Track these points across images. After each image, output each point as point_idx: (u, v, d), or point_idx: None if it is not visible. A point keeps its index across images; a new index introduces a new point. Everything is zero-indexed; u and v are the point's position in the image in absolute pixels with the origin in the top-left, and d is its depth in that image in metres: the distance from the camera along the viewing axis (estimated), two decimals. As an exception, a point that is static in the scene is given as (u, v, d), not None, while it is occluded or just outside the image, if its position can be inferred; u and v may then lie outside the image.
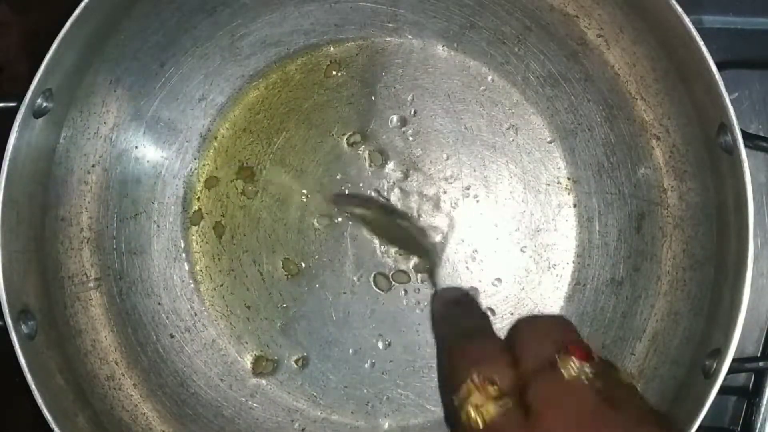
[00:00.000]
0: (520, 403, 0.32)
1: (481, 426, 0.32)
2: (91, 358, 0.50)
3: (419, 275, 0.52)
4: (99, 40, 0.47)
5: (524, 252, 0.53)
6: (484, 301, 0.53)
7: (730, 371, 0.42)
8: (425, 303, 0.52)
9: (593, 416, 0.29)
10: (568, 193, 0.53)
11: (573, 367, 0.32)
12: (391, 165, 0.53)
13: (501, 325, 0.52)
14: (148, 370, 0.51)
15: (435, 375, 0.52)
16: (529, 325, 0.35)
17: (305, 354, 0.53)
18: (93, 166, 0.50)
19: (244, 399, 0.52)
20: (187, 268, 0.53)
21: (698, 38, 0.42)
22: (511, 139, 0.53)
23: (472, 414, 0.32)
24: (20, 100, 0.42)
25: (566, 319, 0.40)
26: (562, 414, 0.30)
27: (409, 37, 0.53)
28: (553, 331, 0.34)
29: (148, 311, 0.52)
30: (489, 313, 0.52)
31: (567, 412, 0.30)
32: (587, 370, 0.31)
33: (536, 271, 0.53)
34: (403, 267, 0.52)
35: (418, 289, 0.52)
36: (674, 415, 0.31)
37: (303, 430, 0.52)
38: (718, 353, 0.42)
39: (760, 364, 0.48)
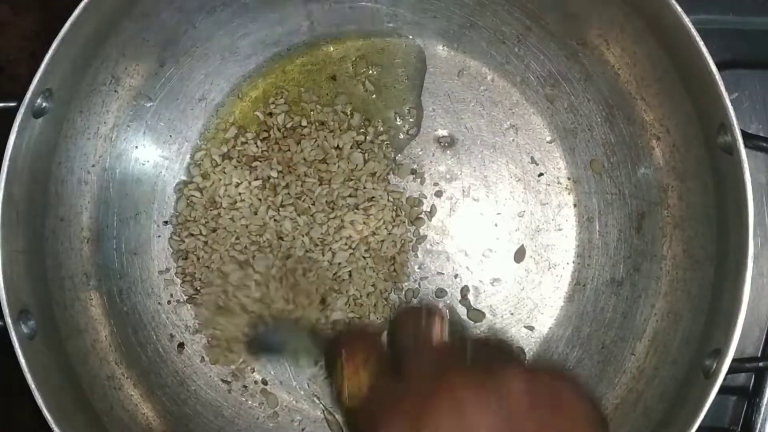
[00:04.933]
0: (390, 372, 0.36)
1: (358, 394, 0.36)
2: (91, 358, 0.50)
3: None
4: (99, 41, 0.47)
5: (524, 252, 0.53)
6: (484, 301, 0.53)
7: (730, 371, 0.42)
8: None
9: (452, 369, 0.33)
10: (568, 193, 0.53)
11: (437, 333, 0.36)
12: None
13: (501, 326, 0.52)
14: (148, 370, 0.51)
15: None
16: (401, 313, 0.40)
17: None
18: (93, 166, 0.50)
19: (244, 399, 0.52)
20: (187, 268, 0.53)
21: (698, 38, 0.42)
22: (511, 139, 0.53)
23: (347, 387, 0.36)
24: (20, 100, 0.42)
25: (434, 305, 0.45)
26: (427, 370, 0.34)
27: (410, 37, 0.53)
28: (419, 316, 0.38)
29: (148, 311, 0.52)
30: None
31: (431, 366, 0.34)
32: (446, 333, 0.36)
33: (536, 271, 0.53)
34: None
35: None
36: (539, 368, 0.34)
37: (303, 430, 0.52)
38: (718, 353, 0.42)
39: (760, 364, 0.48)
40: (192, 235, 0.52)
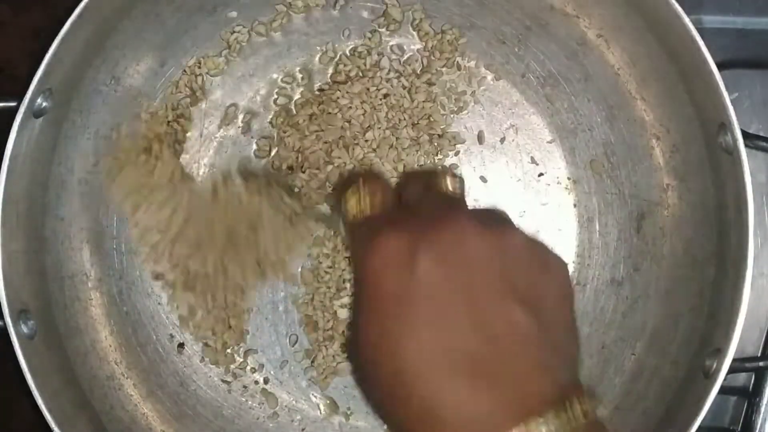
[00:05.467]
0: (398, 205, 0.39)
1: (366, 213, 0.38)
2: (91, 358, 0.50)
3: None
4: (99, 40, 0.47)
5: (524, 252, 0.53)
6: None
7: (730, 371, 0.42)
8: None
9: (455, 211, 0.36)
10: (568, 193, 0.53)
11: (446, 184, 0.39)
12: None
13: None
14: (148, 370, 0.51)
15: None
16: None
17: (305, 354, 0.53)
18: (93, 165, 0.50)
19: (244, 399, 0.52)
20: (187, 268, 0.53)
21: (698, 38, 0.42)
22: (511, 139, 0.53)
23: (356, 205, 0.38)
24: (20, 100, 0.42)
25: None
26: (435, 207, 0.37)
27: (410, 37, 0.53)
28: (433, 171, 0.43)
29: (148, 311, 0.52)
30: None
31: (435, 205, 0.37)
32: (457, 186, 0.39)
33: (536, 271, 0.52)
34: None
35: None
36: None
37: (303, 430, 0.52)
38: (718, 353, 0.42)
39: (760, 364, 0.48)
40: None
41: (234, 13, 0.51)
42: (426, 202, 0.38)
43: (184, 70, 0.51)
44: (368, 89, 0.51)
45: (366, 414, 0.52)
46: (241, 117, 0.52)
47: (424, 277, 0.33)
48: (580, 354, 0.36)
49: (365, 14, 0.52)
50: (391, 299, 0.33)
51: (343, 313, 0.51)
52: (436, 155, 0.52)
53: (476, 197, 0.53)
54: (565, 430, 0.31)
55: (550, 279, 0.35)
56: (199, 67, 0.51)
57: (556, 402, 0.31)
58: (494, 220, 0.36)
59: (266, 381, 0.52)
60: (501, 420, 0.31)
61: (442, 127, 0.52)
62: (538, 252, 0.36)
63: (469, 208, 0.39)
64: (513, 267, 0.34)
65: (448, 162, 0.52)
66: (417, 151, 0.52)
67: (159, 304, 0.52)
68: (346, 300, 0.51)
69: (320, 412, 0.52)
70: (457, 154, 0.52)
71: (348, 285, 0.52)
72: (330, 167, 0.51)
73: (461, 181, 0.40)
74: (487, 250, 0.34)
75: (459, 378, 0.31)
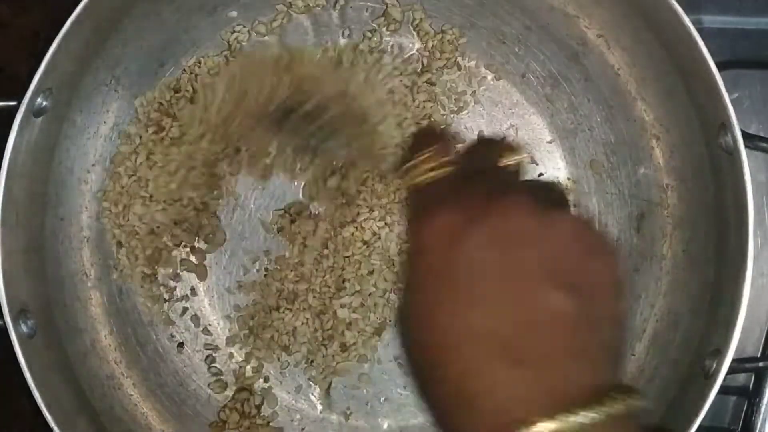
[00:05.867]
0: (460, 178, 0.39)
1: (427, 181, 0.39)
2: (90, 357, 0.50)
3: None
4: (99, 40, 0.47)
5: (524, 252, 0.52)
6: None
7: (730, 371, 0.42)
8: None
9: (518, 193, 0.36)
10: (568, 193, 0.53)
11: (504, 160, 0.40)
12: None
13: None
14: (147, 370, 0.51)
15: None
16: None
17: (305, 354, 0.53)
18: (93, 165, 0.50)
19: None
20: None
21: (698, 38, 0.42)
22: (511, 139, 0.53)
23: (420, 175, 0.39)
24: (20, 100, 0.42)
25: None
26: (487, 183, 0.37)
27: (410, 37, 0.53)
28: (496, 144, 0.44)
29: (147, 311, 0.52)
30: None
31: (491, 182, 0.38)
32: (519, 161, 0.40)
33: (536, 271, 0.52)
34: None
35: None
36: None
37: (303, 430, 0.52)
38: (718, 353, 0.42)
39: (760, 364, 0.48)
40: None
41: (234, 13, 0.51)
42: (483, 178, 0.39)
43: (184, 70, 0.51)
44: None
45: (366, 414, 0.52)
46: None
47: (471, 258, 0.33)
48: (626, 347, 0.36)
49: (365, 14, 0.52)
50: (438, 276, 0.34)
51: (343, 313, 0.51)
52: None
53: (476, 197, 0.52)
54: (602, 425, 0.30)
55: (599, 267, 0.35)
56: (199, 67, 0.51)
57: (593, 396, 0.31)
58: (549, 200, 0.36)
59: (266, 380, 0.52)
60: (535, 406, 0.31)
61: (442, 127, 0.52)
62: (589, 238, 0.35)
63: (528, 181, 0.40)
64: (560, 252, 0.34)
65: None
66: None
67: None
68: (346, 300, 0.51)
69: (320, 412, 0.52)
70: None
71: (347, 285, 0.52)
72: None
73: (519, 151, 0.41)
74: (535, 234, 0.34)
75: (496, 361, 0.32)
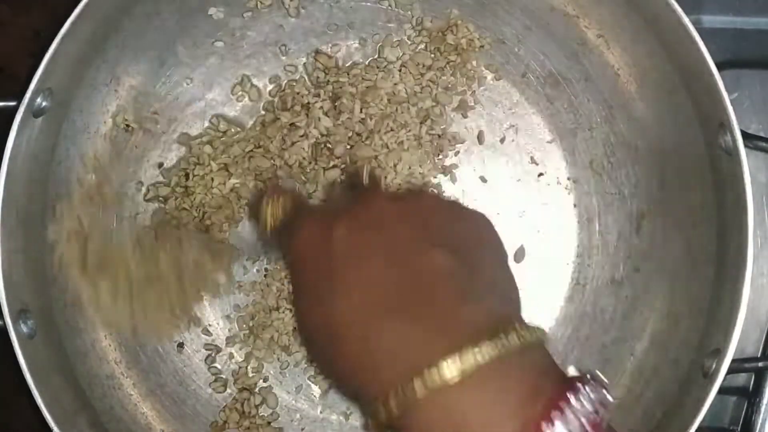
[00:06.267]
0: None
1: (281, 217, 0.41)
2: (90, 357, 0.50)
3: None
4: (99, 40, 0.47)
5: (524, 252, 0.53)
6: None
7: (730, 371, 0.42)
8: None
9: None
10: (568, 193, 0.53)
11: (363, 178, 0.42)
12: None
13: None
14: (147, 370, 0.51)
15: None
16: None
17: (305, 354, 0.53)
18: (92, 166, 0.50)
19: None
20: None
21: (698, 38, 0.42)
22: (511, 139, 0.53)
23: (272, 214, 0.41)
24: (20, 100, 0.42)
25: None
26: (347, 196, 0.40)
27: (410, 36, 0.52)
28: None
29: (147, 311, 0.52)
30: None
31: (351, 195, 0.40)
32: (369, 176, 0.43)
33: (536, 272, 0.52)
34: None
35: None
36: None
37: (303, 430, 0.52)
38: (718, 353, 0.42)
39: (760, 364, 0.48)
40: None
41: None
42: (343, 195, 0.42)
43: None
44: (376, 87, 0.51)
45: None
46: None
47: (341, 244, 0.35)
48: (518, 292, 0.38)
49: (365, 14, 0.52)
50: (315, 272, 0.35)
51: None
52: (437, 155, 0.52)
53: (476, 197, 0.52)
54: (502, 356, 0.31)
55: (469, 227, 0.38)
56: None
57: (490, 332, 0.32)
58: (410, 191, 0.39)
59: (266, 380, 0.52)
60: (434, 350, 0.31)
61: (442, 127, 0.52)
62: (453, 207, 0.39)
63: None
64: (428, 220, 0.36)
65: (448, 162, 0.52)
66: (419, 149, 0.51)
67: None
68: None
69: (319, 412, 0.52)
70: (457, 154, 0.52)
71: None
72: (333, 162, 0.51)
73: (371, 171, 0.44)
74: (398, 212, 0.36)
75: (388, 319, 0.33)
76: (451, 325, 0.32)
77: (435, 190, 0.39)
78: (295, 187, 0.46)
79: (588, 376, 0.32)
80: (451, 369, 0.31)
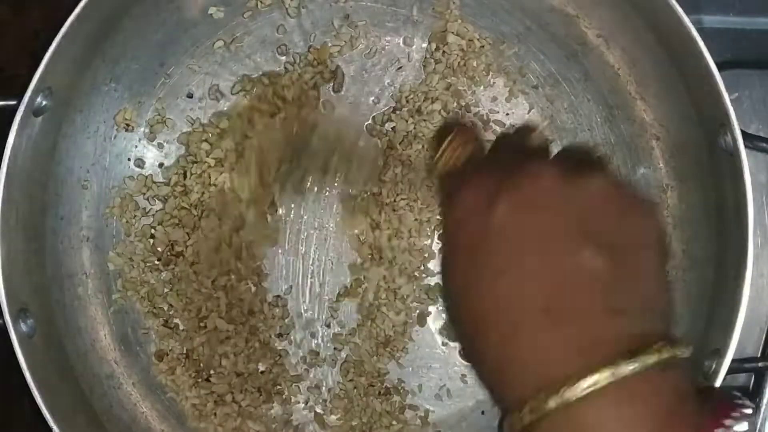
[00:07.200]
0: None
1: (456, 164, 0.42)
2: (90, 357, 0.50)
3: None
4: (99, 40, 0.47)
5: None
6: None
7: (730, 371, 0.42)
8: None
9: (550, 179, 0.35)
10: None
11: (530, 140, 0.43)
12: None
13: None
14: (147, 369, 0.51)
15: (433, 374, 0.52)
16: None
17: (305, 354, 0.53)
18: (92, 165, 0.50)
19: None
20: (186, 267, 0.53)
21: (698, 38, 0.42)
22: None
23: (449, 157, 0.42)
24: (20, 99, 0.42)
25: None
26: (515, 158, 0.37)
27: (410, 36, 0.53)
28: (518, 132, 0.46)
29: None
30: None
31: (518, 157, 0.37)
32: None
33: (536, 271, 0.52)
34: None
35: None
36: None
37: (303, 430, 0.52)
38: (718, 353, 0.42)
39: (760, 364, 0.48)
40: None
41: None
42: (510, 154, 0.40)
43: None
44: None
45: (366, 414, 0.52)
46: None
47: (501, 225, 0.34)
48: (673, 304, 0.36)
49: (365, 14, 0.52)
50: (471, 248, 0.35)
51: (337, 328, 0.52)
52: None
53: (476, 197, 0.52)
54: (640, 376, 0.31)
55: (634, 224, 0.35)
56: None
57: (632, 351, 0.31)
58: (580, 163, 0.36)
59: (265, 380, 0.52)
60: (572, 366, 0.31)
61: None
62: (621, 197, 0.35)
63: (562, 149, 0.41)
64: (592, 212, 0.34)
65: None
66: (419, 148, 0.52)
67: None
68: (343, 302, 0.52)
69: (320, 412, 0.52)
70: (457, 154, 0.52)
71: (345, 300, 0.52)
72: None
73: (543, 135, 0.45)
74: (562, 196, 0.34)
75: (535, 322, 0.32)
76: (596, 338, 0.32)
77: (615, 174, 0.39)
78: (482, 138, 0.45)
79: (734, 401, 0.32)
80: (587, 387, 0.31)
